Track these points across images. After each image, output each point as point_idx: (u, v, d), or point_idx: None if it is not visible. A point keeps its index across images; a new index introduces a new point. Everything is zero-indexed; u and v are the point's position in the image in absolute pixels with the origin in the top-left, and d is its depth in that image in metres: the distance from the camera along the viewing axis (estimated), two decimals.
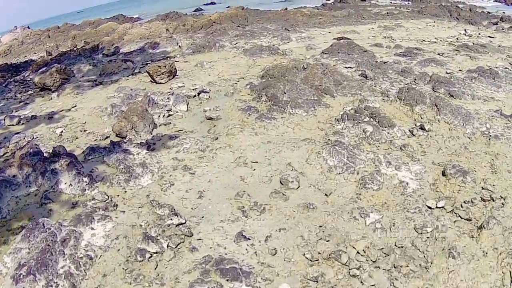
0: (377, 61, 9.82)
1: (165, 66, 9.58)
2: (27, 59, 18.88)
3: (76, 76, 11.44)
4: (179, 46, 14.68)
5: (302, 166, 5.75)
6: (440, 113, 6.79)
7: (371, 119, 6.81)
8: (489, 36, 14.43)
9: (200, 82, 9.38)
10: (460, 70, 9.28)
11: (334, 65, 9.70)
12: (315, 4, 26.77)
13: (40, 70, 11.08)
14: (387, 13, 21.20)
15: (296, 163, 5.83)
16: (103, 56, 14.14)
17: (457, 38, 13.98)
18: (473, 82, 8.30)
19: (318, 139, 6.43)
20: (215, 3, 43.16)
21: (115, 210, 4.73)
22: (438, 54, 10.99)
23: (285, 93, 8.26)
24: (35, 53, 20.68)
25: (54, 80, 10.69)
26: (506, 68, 9.32)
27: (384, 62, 9.76)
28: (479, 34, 14.91)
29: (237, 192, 5.21)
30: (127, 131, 6.80)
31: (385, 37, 14.48)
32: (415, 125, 6.73)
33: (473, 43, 12.45)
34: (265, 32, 16.06)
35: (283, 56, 11.65)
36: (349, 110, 7.30)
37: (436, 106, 6.97)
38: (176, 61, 11.44)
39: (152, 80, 9.74)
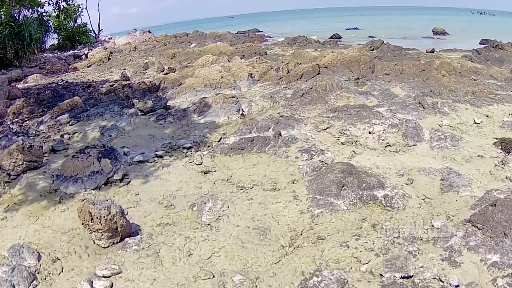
0: None
1: (105, 219, 4.56)
2: (105, 78, 16.60)
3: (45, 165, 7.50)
4: (242, 114, 9.48)
5: None
6: None
7: None
8: None
9: None
10: None
11: None
12: (467, 48, 17.73)
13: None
14: None
15: None
16: (136, 111, 10.10)
17: None
18: None
19: None
20: (357, 28, 34.87)
21: None
22: None
23: None
24: (123, 69, 18.41)
25: (15, 163, 7.03)
26: None
27: None
28: None
29: None
30: None
31: None
32: None
33: None
34: (386, 104, 9.57)
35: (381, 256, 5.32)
36: None
37: None
38: (196, 164, 6.68)
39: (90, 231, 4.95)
